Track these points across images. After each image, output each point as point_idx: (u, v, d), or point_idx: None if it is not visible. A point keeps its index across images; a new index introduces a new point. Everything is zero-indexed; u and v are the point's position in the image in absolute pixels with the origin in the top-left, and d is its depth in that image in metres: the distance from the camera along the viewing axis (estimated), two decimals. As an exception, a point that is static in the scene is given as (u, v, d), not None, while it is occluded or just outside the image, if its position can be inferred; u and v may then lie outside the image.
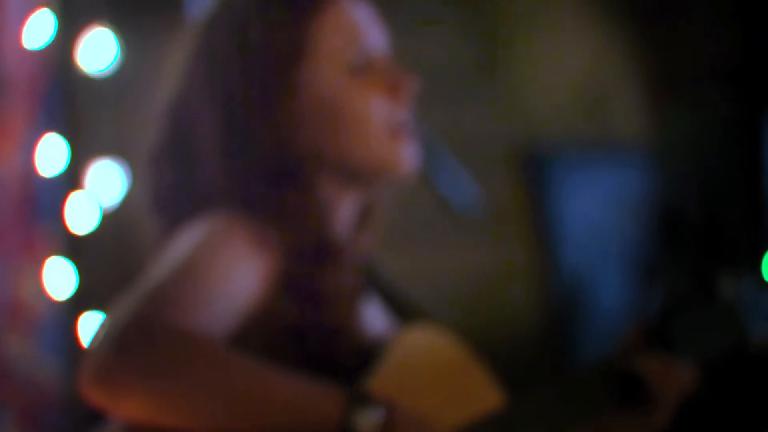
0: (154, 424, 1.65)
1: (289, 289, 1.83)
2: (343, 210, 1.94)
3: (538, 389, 1.90)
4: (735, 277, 2.08)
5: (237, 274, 1.77)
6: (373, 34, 1.94)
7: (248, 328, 1.80)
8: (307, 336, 1.83)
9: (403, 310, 2.05)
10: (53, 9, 3.60)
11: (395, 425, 1.70)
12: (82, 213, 3.69)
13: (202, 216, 1.85)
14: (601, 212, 4.71)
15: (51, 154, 3.59)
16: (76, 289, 3.61)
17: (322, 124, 1.88)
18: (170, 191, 1.94)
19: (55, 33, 3.62)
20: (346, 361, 1.85)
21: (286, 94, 1.87)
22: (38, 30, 3.57)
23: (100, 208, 3.70)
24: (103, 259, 3.70)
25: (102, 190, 3.70)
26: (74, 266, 3.63)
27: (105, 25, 3.79)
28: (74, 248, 3.69)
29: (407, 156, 1.93)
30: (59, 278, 3.58)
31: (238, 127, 1.87)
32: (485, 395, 1.90)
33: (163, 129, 1.95)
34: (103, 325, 1.68)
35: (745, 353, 2.07)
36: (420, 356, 1.90)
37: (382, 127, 1.91)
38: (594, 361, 1.99)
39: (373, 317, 1.99)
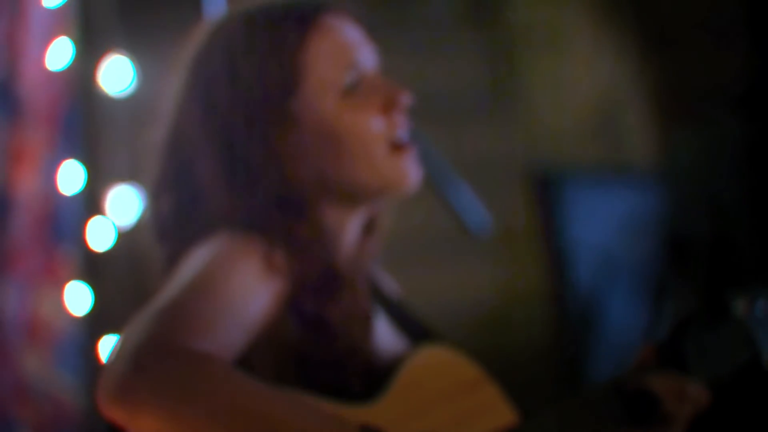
0: None
1: (296, 316, 1.85)
2: (349, 231, 1.96)
3: (551, 408, 1.91)
4: (747, 296, 2.08)
5: (249, 294, 1.79)
6: (362, 53, 1.95)
7: (255, 350, 1.82)
8: (313, 363, 1.85)
9: (414, 330, 2.06)
10: (72, 36, 3.64)
11: None
12: (100, 235, 3.73)
13: (211, 238, 1.86)
14: (611, 233, 4.72)
15: (70, 177, 3.63)
16: (93, 308, 3.64)
17: (324, 150, 1.89)
18: (173, 221, 1.94)
19: (74, 59, 3.67)
20: (354, 386, 1.86)
21: (284, 125, 1.88)
22: (58, 56, 3.61)
23: (116, 229, 3.74)
24: (120, 279, 3.72)
25: (119, 212, 3.74)
26: (91, 286, 3.67)
27: (122, 52, 3.83)
28: (92, 268, 3.72)
29: (410, 169, 1.94)
30: (78, 298, 3.61)
31: (238, 161, 1.88)
32: (497, 414, 1.92)
33: (163, 162, 1.95)
34: (119, 343, 1.70)
35: (758, 371, 2.07)
36: (432, 375, 1.91)
37: (383, 144, 1.92)
38: (606, 379, 1.99)
39: (383, 335, 2.00)
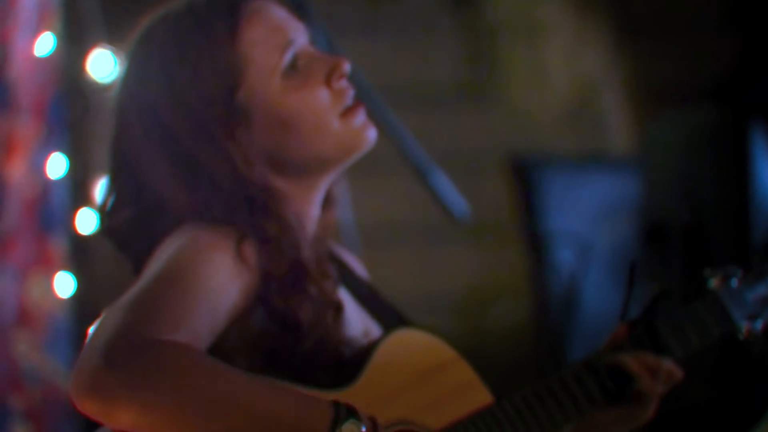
0: None
1: (265, 309, 1.84)
2: (311, 213, 1.95)
3: (527, 386, 1.92)
4: (721, 273, 2.09)
5: (219, 285, 1.78)
6: (293, 30, 1.93)
7: (224, 343, 1.80)
8: (281, 357, 1.84)
9: (384, 313, 2.05)
10: (58, 27, 3.66)
11: None
12: (87, 221, 3.75)
13: (181, 229, 1.84)
14: (590, 219, 4.75)
15: (57, 164, 3.66)
16: (80, 293, 3.66)
17: (278, 134, 1.88)
18: (135, 231, 1.91)
19: (60, 50, 3.69)
20: (323, 378, 1.85)
21: (231, 122, 1.86)
22: (45, 45, 3.64)
23: (96, 216, 3.76)
24: (107, 264, 3.75)
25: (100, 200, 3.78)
26: (80, 272, 3.70)
27: (106, 44, 3.85)
28: (80, 254, 3.75)
29: (364, 127, 1.93)
30: (66, 283, 3.64)
31: (193, 169, 1.86)
32: (473, 395, 1.92)
33: (114, 180, 1.92)
34: (90, 337, 1.68)
35: (733, 343, 2.08)
36: (405, 358, 1.91)
37: (333, 113, 1.91)
38: (581, 358, 2.00)
39: (353, 320, 1.99)
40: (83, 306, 3.64)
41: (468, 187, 4.18)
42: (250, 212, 1.85)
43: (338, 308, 1.92)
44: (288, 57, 1.89)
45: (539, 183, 4.78)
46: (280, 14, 1.93)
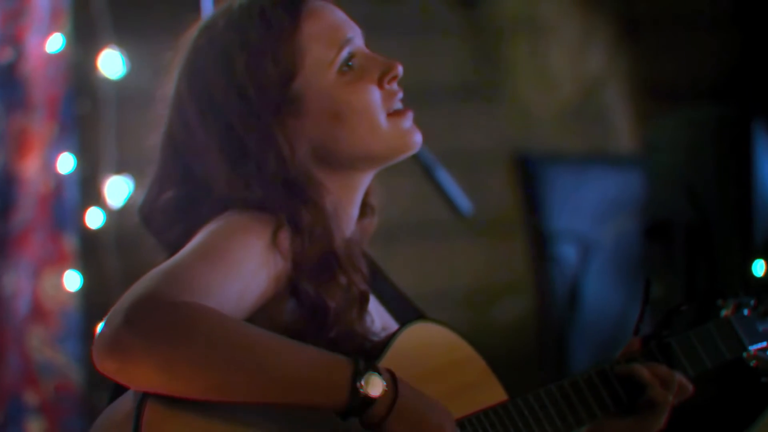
0: (168, 394, 1.68)
1: (295, 297, 1.87)
2: (350, 210, 1.99)
3: (539, 389, 1.94)
4: (733, 300, 2.14)
5: (252, 268, 1.80)
6: (351, 31, 1.99)
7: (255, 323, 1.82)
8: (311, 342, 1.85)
9: (402, 307, 2.09)
10: (68, 27, 3.70)
11: (398, 391, 1.74)
12: (98, 218, 3.79)
13: (220, 217, 1.87)
14: (593, 217, 4.77)
15: (68, 161, 3.69)
16: (92, 288, 3.71)
17: (328, 126, 1.93)
18: (177, 212, 1.96)
19: (70, 50, 3.73)
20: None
21: (284, 111, 1.92)
22: (55, 48, 3.67)
23: (104, 214, 3.80)
24: (116, 260, 3.78)
25: (114, 194, 3.82)
26: (90, 268, 3.74)
27: (114, 47, 3.89)
28: (90, 250, 3.79)
29: (411, 130, 1.98)
30: (78, 278, 3.68)
31: (240, 154, 1.91)
32: (487, 390, 1.94)
33: (163, 163, 1.97)
34: (118, 302, 1.71)
35: (740, 364, 2.13)
36: (422, 351, 1.92)
37: (382, 112, 1.95)
38: (594, 365, 2.02)
39: (374, 314, 2.01)
40: (94, 301, 3.68)
41: (473, 184, 4.22)
42: (288, 198, 1.89)
43: (364, 301, 1.94)
44: (345, 54, 1.95)
45: (543, 180, 4.80)
46: (339, 15, 1.99)
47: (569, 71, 5.02)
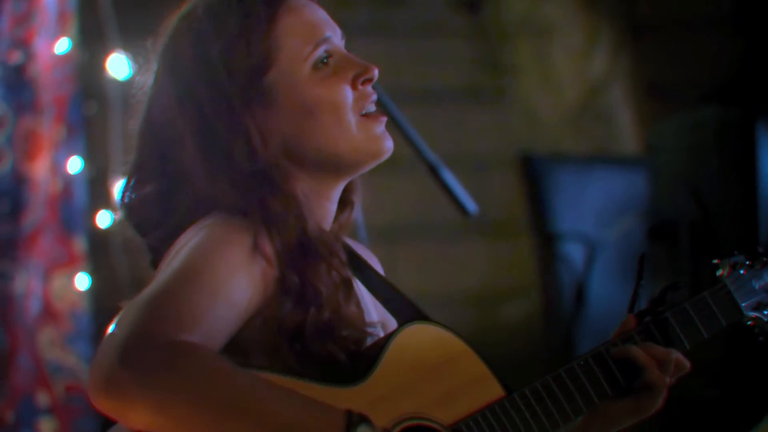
0: None
1: (286, 290, 1.86)
2: (325, 203, 1.98)
3: (536, 381, 1.92)
4: (728, 261, 2.11)
5: (236, 282, 1.79)
6: (330, 30, 1.98)
7: (248, 332, 1.82)
8: (308, 332, 1.85)
9: (401, 308, 2.07)
10: (74, 35, 3.72)
11: None
12: (105, 218, 3.82)
13: (196, 224, 1.88)
14: (599, 217, 4.78)
15: (77, 164, 3.72)
16: (98, 289, 3.72)
17: (297, 121, 1.92)
18: (156, 210, 1.95)
19: (77, 55, 3.75)
20: (339, 354, 1.87)
21: (256, 101, 1.91)
22: (63, 51, 3.70)
23: (111, 216, 3.82)
24: (125, 260, 3.79)
25: (118, 198, 3.84)
26: (98, 269, 3.75)
27: (121, 49, 3.91)
28: (100, 250, 3.80)
29: (382, 136, 1.97)
30: (88, 279, 3.70)
31: (212, 141, 1.89)
32: (485, 388, 1.92)
33: (142, 151, 1.97)
34: (108, 335, 1.70)
35: (741, 329, 2.10)
36: (419, 352, 1.91)
37: (354, 113, 1.95)
38: (590, 349, 2.00)
39: (370, 313, 2.01)
40: (104, 302, 3.69)
41: (478, 185, 4.23)
42: (258, 187, 1.88)
43: (348, 286, 1.93)
44: (320, 51, 1.95)
45: (548, 181, 4.80)
46: (320, 13, 1.99)
47: (573, 73, 5.04)
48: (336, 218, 2.02)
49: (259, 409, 1.69)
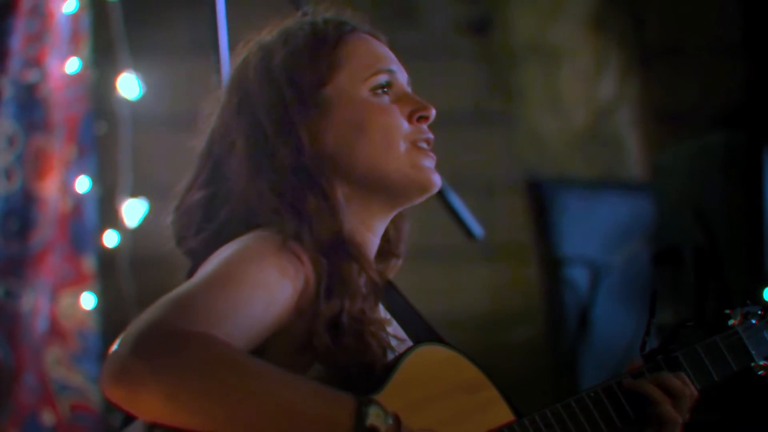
0: (173, 425, 1.68)
1: (322, 287, 1.87)
2: (367, 229, 2.00)
3: (546, 408, 1.94)
4: (741, 310, 2.14)
5: (265, 291, 1.81)
6: (395, 65, 2.04)
7: (284, 330, 1.85)
8: (344, 322, 1.87)
9: (418, 329, 2.08)
10: (85, 55, 3.75)
11: (402, 426, 1.74)
12: (115, 238, 3.83)
13: (234, 235, 1.90)
14: (604, 241, 4.79)
15: (86, 182, 3.73)
16: (108, 307, 3.73)
17: (350, 136, 1.96)
18: (200, 217, 1.98)
19: (89, 76, 3.78)
20: (373, 344, 1.89)
21: (313, 111, 1.96)
22: (75, 71, 3.72)
23: (118, 235, 3.84)
24: (134, 279, 3.81)
25: (127, 218, 3.86)
26: (107, 287, 3.76)
27: (131, 71, 3.94)
28: (108, 270, 3.82)
29: (432, 170, 2.00)
30: (95, 298, 3.70)
31: (263, 143, 1.94)
32: (495, 412, 1.93)
33: (199, 164, 2.02)
34: (127, 329, 1.71)
35: (750, 376, 2.12)
36: (432, 372, 1.91)
37: (407, 141, 1.99)
38: (601, 382, 2.02)
39: (393, 331, 2.02)
40: (111, 321, 3.70)
41: (485, 208, 4.23)
42: (297, 183, 1.92)
43: (377, 290, 1.95)
44: (381, 78, 2.01)
45: (555, 205, 4.82)
46: (387, 51, 2.06)
47: (581, 97, 5.04)
48: (378, 261, 2.05)
49: (271, 394, 1.70)
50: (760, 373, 2.13)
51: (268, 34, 2.05)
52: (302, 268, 1.86)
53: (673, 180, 4.48)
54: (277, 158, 1.94)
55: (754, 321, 2.14)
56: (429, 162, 2.01)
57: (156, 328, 1.69)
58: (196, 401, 1.67)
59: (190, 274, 1.94)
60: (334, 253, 1.90)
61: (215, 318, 1.73)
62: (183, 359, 1.66)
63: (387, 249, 2.07)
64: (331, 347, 1.86)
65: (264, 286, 1.81)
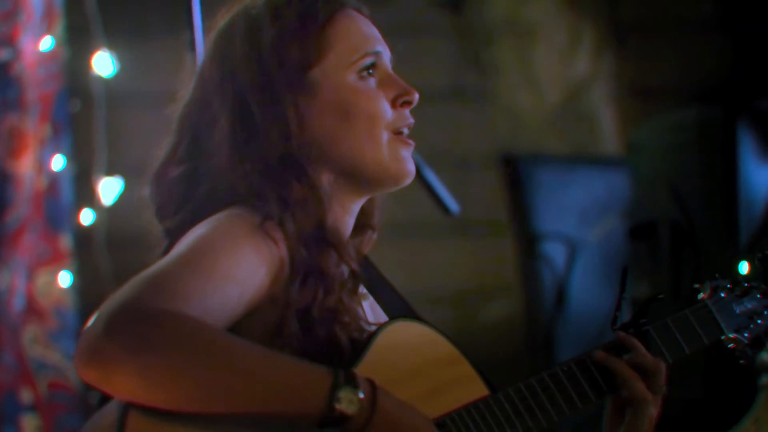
0: (148, 404, 1.68)
1: (296, 273, 1.87)
2: (344, 212, 2.00)
3: (520, 382, 1.95)
4: (710, 284, 2.15)
5: (239, 272, 1.80)
6: (378, 44, 2.02)
7: (258, 312, 1.84)
8: (315, 314, 1.87)
9: (395, 306, 2.07)
10: (59, 33, 3.74)
11: (377, 405, 1.75)
12: (91, 216, 3.83)
13: (212, 214, 1.88)
14: (580, 217, 4.81)
15: (61, 162, 3.73)
16: (85, 285, 3.73)
17: (334, 121, 1.95)
18: (179, 192, 1.96)
19: (63, 53, 3.77)
20: (343, 337, 1.88)
21: (299, 92, 1.94)
22: (48, 49, 3.71)
23: (94, 213, 3.84)
24: (110, 257, 3.81)
25: (102, 195, 3.85)
26: (84, 265, 3.76)
27: (105, 49, 3.93)
28: (83, 248, 3.82)
29: (408, 160, 1.99)
30: (71, 276, 3.70)
31: (247, 123, 1.93)
32: (469, 387, 1.94)
33: (177, 134, 1.99)
34: (100, 308, 1.70)
35: (720, 349, 2.13)
36: (404, 349, 1.91)
37: (388, 129, 1.98)
38: (574, 356, 2.01)
39: (366, 309, 2.02)
40: (88, 299, 3.70)
41: (460, 184, 4.24)
42: (282, 171, 1.91)
43: (355, 279, 1.94)
44: (368, 60, 1.99)
45: (530, 181, 4.83)
46: (374, 30, 2.04)
47: (556, 74, 5.05)
48: (354, 235, 2.05)
49: (245, 368, 1.70)
50: (730, 345, 2.14)
51: (253, 2, 2.02)
52: (277, 250, 1.85)
53: (649, 156, 4.49)
54: (264, 142, 1.92)
55: (723, 294, 2.14)
56: (407, 152, 2.00)
57: (128, 307, 1.68)
58: (169, 379, 1.66)
59: (166, 251, 1.93)
60: (315, 244, 1.90)
61: (187, 296, 1.72)
62: (155, 337, 1.66)
63: (362, 221, 2.07)
64: (300, 337, 1.85)
65: (238, 265, 1.80)
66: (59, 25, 3.75)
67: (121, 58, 3.97)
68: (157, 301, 1.69)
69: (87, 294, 3.75)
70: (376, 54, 2.00)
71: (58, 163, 3.72)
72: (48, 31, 3.70)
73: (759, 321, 2.16)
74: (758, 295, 2.17)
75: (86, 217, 3.85)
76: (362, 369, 1.85)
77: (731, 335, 2.13)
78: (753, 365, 2.15)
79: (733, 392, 3.70)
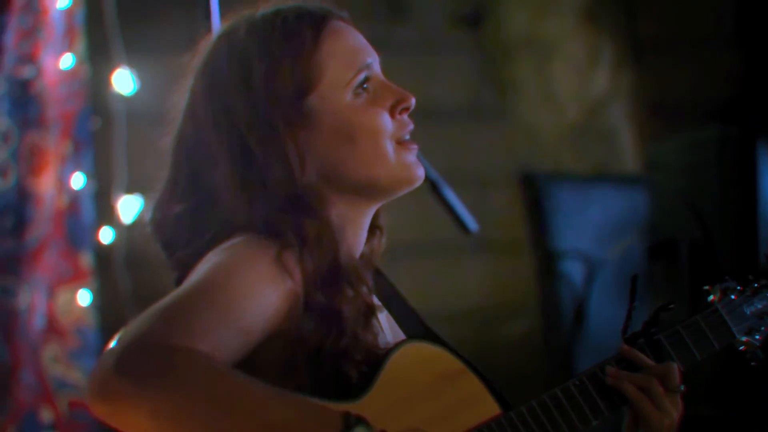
0: None
1: (310, 310, 1.86)
2: (357, 229, 1.99)
3: (533, 400, 1.94)
4: (721, 287, 2.13)
5: (253, 299, 1.79)
6: (370, 55, 2.01)
7: (266, 349, 1.82)
8: (326, 354, 1.86)
9: (412, 326, 2.08)
10: (80, 51, 3.75)
11: None
12: (112, 235, 3.84)
13: (225, 242, 1.87)
14: (599, 235, 4.79)
15: (82, 178, 3.74)
16: (105, 304, 3.73)
17: (337, 145, 1.94)
18: (184, 230, 1.95)
19: (84, 72, 3.78)
20: (353, 375, 1.87)
21: (296, 125, 1.92)
22: (69, 67, 3.73)
23: (113, 231, 3.85)
24: (131, 278, 3.81)
25: (122, 213, 3.87)
26: (105, 284, 3.76)
27: (125, 67, 3.94)
28: (105, 267, 3.82)
29: (416, 164, 1.99)
30: (92, 295, 3.71)
31: (250, 163, 1.90)
32: (481, 406, 1.93)
33: (174, 170, 1.97)
34: (112, 343, 1.70)
35: (733, 354, 2.12)
36: (416, 370, 1.91)
37: (392, 139, 1.97)
38: (585, 371, 2.01)
39: (385, 330, 2.03)
40: (109, 317, 3.71)
41: (479, 202, 4.25)
42: (293, 211, 1.88)
43: (370, 313, 1.94)
44: (361, 77, 1.97)
45: (549, 199, 4.81)
46: (360, 39, 2.02)
47: (574, 91, 5.06)
48: (366, 243, 2.04)
49: (256, 409, 1.69)
50: (741, 348, 2.13)
51: (233, 28, 1.98)
52: (293, 285, 1.84)
53: (667, 173, 4.48)
54: (270, 181, 1.90)
55: (733, 296, 2.13)
56: (413, 156, 2.00)
57: (139, 342, 1.68)
58: (180, 418, 1.67)
59: (179, 281, 1.91)
60: (329, 284, 1.88)
61: (201, 332, 1.72)
62: (166, 376, 1.66)
63: (370, 224, 2.06)
64: (309, 373, 1.85)
65: (253, 299, 1.80)
66: (80, 42, 3.76)
67: (142, 75, 3.99)
68: (170, 336, 1.69)
69: (107, 312, 3.76)
70: (368, 66, 1.99)
71: (78, 181, 3.73)
72: (69, 48, 3.71)
73: None
74: None
75: (106, 235, 3.86)
76: (376, 392, 1.86)
77: (743, 338, 2.12)
78: (764, 367, 2.14)
79: (747, 409, 3.70)
